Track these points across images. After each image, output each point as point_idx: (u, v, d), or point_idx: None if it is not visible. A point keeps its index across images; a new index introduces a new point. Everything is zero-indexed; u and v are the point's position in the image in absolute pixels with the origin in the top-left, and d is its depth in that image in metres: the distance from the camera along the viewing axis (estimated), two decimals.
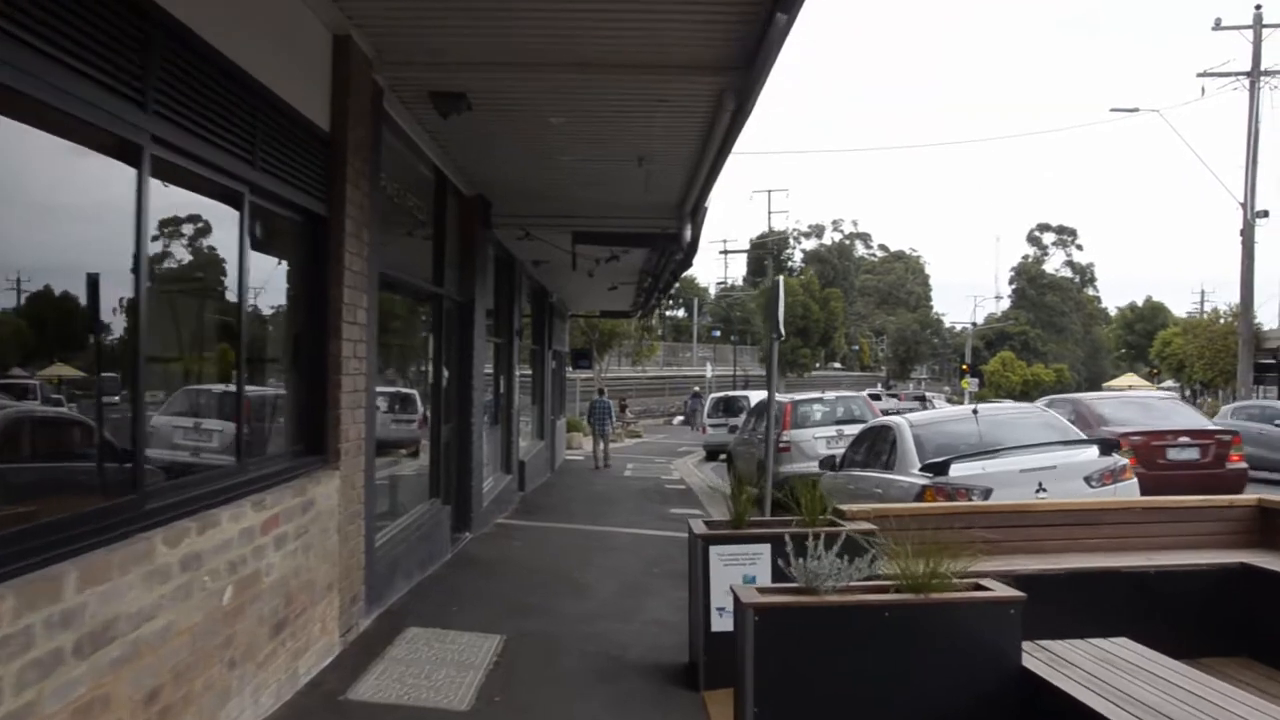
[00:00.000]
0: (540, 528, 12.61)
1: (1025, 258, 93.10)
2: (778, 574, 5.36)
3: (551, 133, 8.10)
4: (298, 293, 5.77)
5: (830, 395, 16.68)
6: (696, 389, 37.58)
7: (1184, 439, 12.62)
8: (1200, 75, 27.86)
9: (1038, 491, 7.93)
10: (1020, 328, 78.98)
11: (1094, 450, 8.49)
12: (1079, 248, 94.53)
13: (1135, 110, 27.90)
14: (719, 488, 20.62)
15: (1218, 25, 28.82)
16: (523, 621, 7.26)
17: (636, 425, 38.38)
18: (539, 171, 9.68)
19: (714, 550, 5.62)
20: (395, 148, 7.89)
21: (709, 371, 43.60)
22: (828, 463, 10.83)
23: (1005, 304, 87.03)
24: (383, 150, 6.88)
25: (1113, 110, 28.55)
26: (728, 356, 56.50)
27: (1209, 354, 29.33)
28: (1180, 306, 72.15)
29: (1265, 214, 27.30)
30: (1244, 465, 12.85)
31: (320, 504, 5.46)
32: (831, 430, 15.52)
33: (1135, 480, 8.32)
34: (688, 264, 13.05)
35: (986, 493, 7.94)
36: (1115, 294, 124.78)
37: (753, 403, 31.15)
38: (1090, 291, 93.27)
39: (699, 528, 5.89)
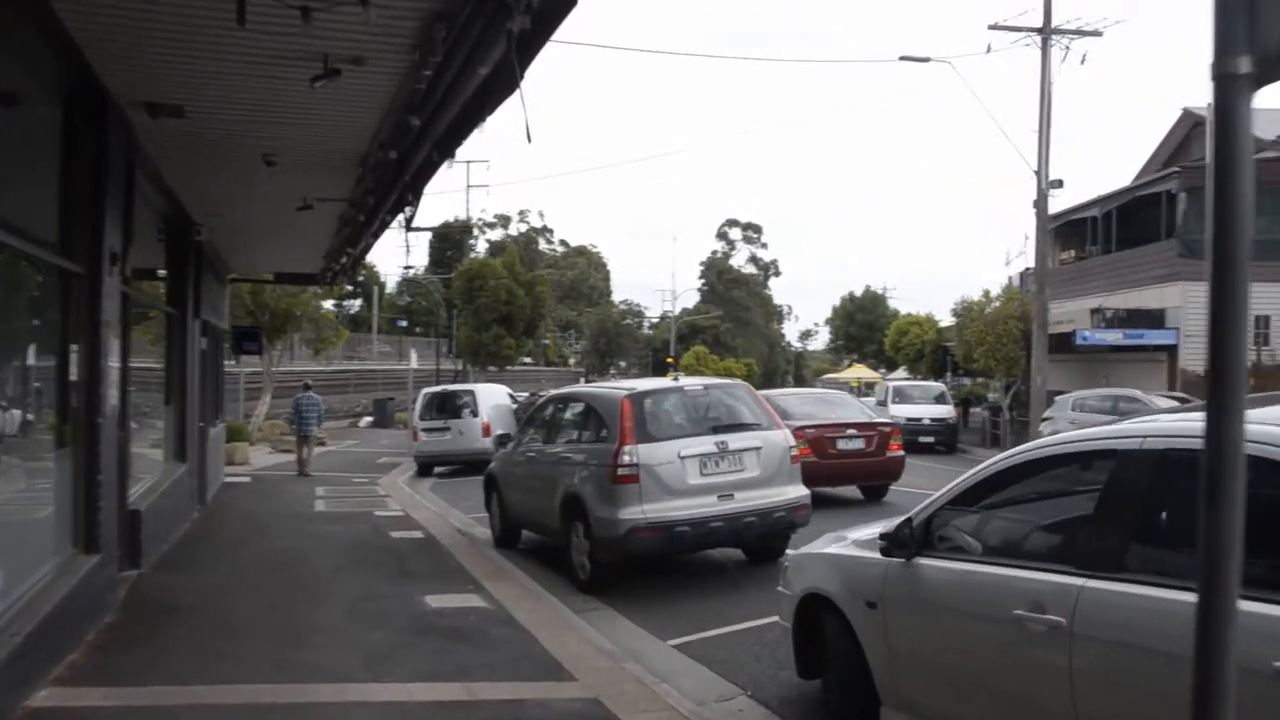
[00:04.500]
0: (155, 715, 5.10)
1: (714, 253, 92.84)
2: None
3: None
4: None
5: (694, 384, 9.98)
6: (451, 386, 29.03)
7: (851, 430, 13.90)
8: (991, 28, 24.58)
9: None
10: (712, 321, 78.25)
11: None
12: (764, 245, 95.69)
13: (927, 60, 23.94)
14: (474, 535, 12.15)
15: None
16: None
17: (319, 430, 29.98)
18: None
19: None
20: None
21: (414, 363, 35.74)
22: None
23: (685, 301, 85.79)
24: None
25: (902, 59, 24.62)
26: (409, 350, 48.68)
27: (989, 340, 26.42)
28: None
29: (1060, 183, 24.51)
30: (902, 453, 14.31)
31: None
32: (708, 444, 9.06)
33: None
34: (511, 85, 5.27)
35: None
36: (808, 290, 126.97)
37: (480, 399, 23.84)
38: (766, 290, 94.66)
39: None
